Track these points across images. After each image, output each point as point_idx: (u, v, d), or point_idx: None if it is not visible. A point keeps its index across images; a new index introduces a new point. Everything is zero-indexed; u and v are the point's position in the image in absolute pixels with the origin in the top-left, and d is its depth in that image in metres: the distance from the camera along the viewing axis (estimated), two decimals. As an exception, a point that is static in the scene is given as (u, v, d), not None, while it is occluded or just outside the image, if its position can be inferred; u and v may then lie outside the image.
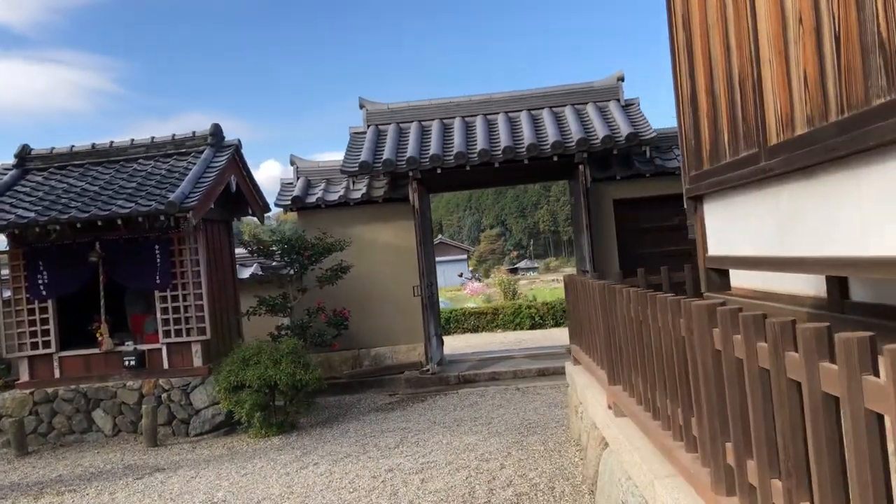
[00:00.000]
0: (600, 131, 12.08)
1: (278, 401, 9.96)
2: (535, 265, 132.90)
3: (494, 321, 23.12)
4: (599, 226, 12.57)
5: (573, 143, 11.89)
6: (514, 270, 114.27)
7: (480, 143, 12.24)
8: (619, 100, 13.20)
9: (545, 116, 13.04)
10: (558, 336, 19.44)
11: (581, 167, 12.10)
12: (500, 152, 11.99)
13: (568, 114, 13.00)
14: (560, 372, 11.87)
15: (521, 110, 13.32)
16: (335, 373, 13.06)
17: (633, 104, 13.19)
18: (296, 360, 9.70)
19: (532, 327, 22.77)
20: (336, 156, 14.12)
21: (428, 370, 12.34)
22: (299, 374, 9.55)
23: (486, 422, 9.54)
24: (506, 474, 7.15)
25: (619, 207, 13.03)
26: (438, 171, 12.22)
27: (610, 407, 5.83)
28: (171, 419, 10.51)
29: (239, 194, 11.87)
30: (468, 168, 12.25)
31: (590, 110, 13.02)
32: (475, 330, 23.09)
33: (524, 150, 11.96)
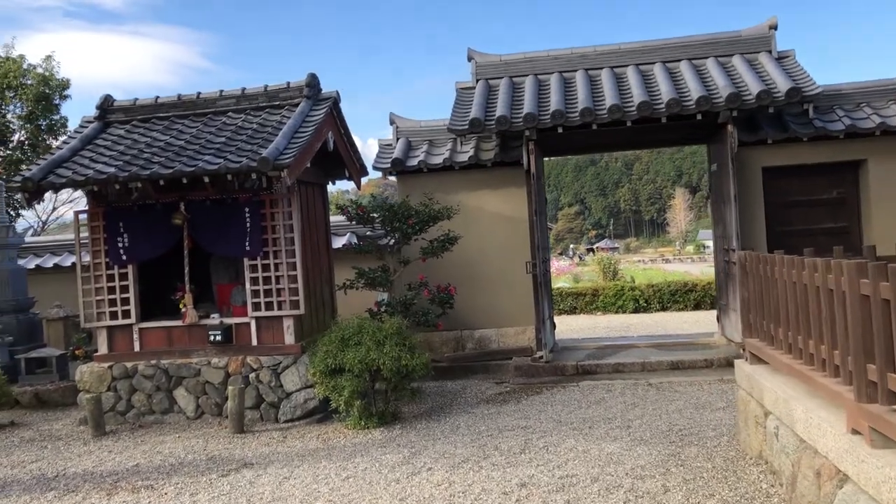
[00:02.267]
0: (753, 86, 10.28)
1: (379, 387, 8.70)
2: (616, 245, 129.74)
3: (594, 303, 21.52)
4: (744, 198, 10.78)
5: (722, 100, 10.14)
6: (591, 250, 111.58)
7: (609, 98, 10.61)
8: (770, 51, 11.32)
9: (683, 69, 11.28)
10: (671, 322, 17.74)
11: (729, 128, 10.34)
12: (633, 109, 10.35)
13: (710, 67, 11.21)
14: (697, 366, 10.29)
15: (653, 62, 11.60)
16: (435, 355, 11.74)
17: (787, 56, 11.29)
18: (401, 343, 8.40)
19: (635, 311, 21.08)
20: (438, 117, 12.72)
21: (541, 357, 10.89)
22: (405, 359, 8.25)
23: (622, 424, 8.05)
24: (675, 501, 5.66)
25: (767, 176, 11.21)
26: (559, 130, 10.66)
27: (856, 432, 4.25)
28: (260, 402, 9.39)
29: (335, 154, 10.61)
30: (594, 127, 10.65)
31: (737, 63, 11.20)
32: (572, 311, 21.54)
33: (663, 106, 10.28)
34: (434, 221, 10.32)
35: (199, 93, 10.88)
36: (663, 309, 21.02)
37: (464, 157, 11.62)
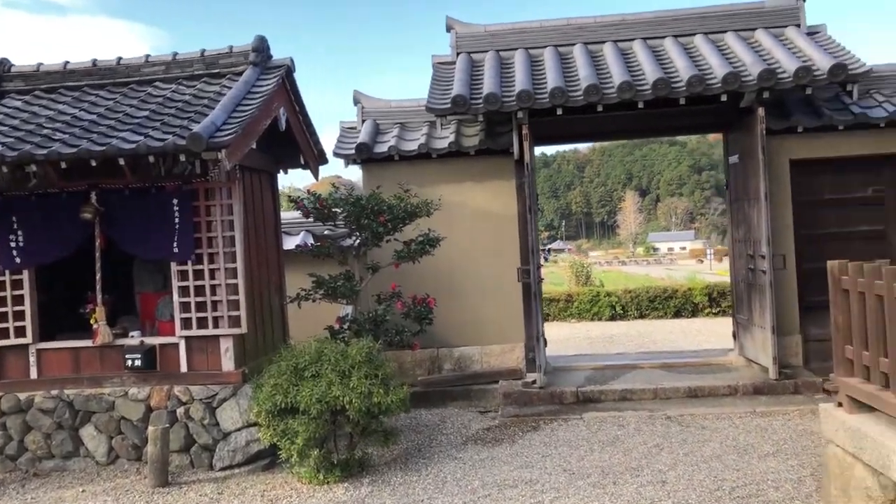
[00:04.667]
0: (787, 62, 8.69)
1: (343, 429, 6.83)
2: (568, 246, 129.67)
3: (568, 309, 19.90)
4: (771, 195, 9.17)
5: (753, 78, 8.51)
6: (545, 250, 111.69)
7: (617, 76, 8.91)
8: (798, 25, 9.77)
9: (700, 44, 9.65)
10: (657, 333, 16.20)
11: (759, 112, 8.73)
12: (648, 88, 8.66)
13: (731, 41, 9.60)
14: (719, 394, 8.71)
15: (664, 36, 9.94)
16: (407, 378, 9.89)
17: (818, 31, 9.75)
18: (372, 373, 6.55)
19: (612, 318, 19.54)
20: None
21: (534, 382, 9.14)
22: (377, 396, 6.41)
23: (655, 479, 6.33)
24: None
25: (795, 171, 9.64)
26: (558, 112, 8.93)
27: None
28: (190, 444, 7.45)
29: (289, 137, 8.69)
30: (600, 109, 8.94)
31: (761, 38, 9.61)
32: (545, 319, 19.81)
33: (682, 84, 8.62)
34: (411, 219, 8.48)
35: (120, 58, 8.85)
36: (641, 316, 19.55)
37: (442, 144, 9.80)
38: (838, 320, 5.00)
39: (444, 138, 9.89)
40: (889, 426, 4.47)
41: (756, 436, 7.38)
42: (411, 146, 9.85)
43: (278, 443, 6.54)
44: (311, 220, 8.75)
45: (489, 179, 9.92)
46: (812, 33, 9.65)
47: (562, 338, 16.03)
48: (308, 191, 8.43)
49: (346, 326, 8.05)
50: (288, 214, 10.40)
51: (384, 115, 10.60)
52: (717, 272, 44.80)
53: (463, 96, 8.82)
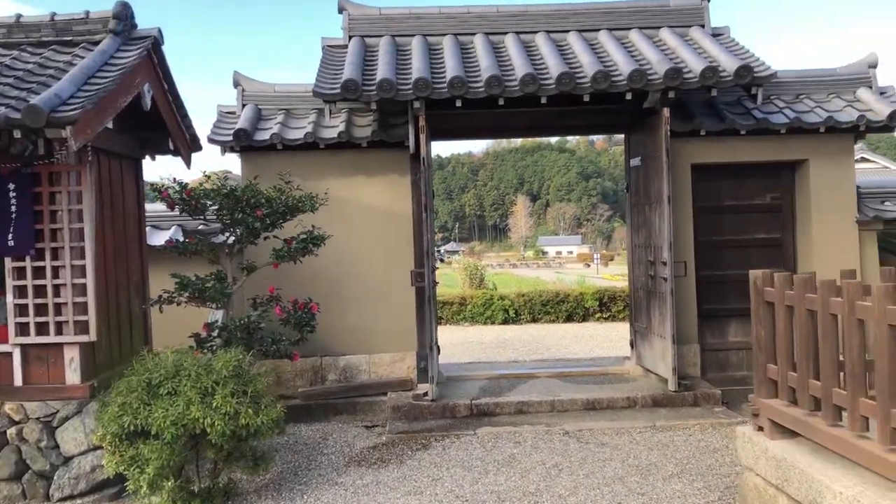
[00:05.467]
0: (693, 62, 8.39)
1: (205, 453, 5.93)
2: (461, 248, 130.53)
3: (461, 313, 19.40)
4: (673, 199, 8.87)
5: (659, 76, 8.16)
6: (438, 252, 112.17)
7: (520, 68, 8.37)
8: (703, 26, 9.54)
9: (604, 40, 9.26)
10: (550, 337, 15.91)
11: (664, 112, 8.38)
12: (552, 82, 8.16)
13: (636, 39, 9.25)
14: (618, 406, 8.32)
15: (568, 30, 9.50)
16: (286, 389, 9.04)
17: (722, 33, 9.55)
18: (240, 390, 5.68)
19: (505, 322, 19.20)
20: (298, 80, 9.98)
21: (426, 394, 8.46)
22: (246, 416, 5.54)
23: (556, 505, 5.77)
24: None
25: (697, 175, 9.40)
26: (457, 103, 8.30)
27: None
28: (23, 471, 6.35)
29: (155, 118, 7.66)
30: (501, 102, 8.38)
31: (666, 37, 9.31)
32: (437, 322, 19.23)
33: (587, 80, 8.16)
34: (293, 214, 7.62)
35: (-50, 17, 7.56)
36: (534, 320, 19.30)
37: (331, 133, 8.97)
38: (761, 336, 4.55)
39: (334, 127, 9.07)
40: (818, 456, 4.03)
41: (658, 453, 6.96)
42: (296, 134, 8.98)
43: (125, 472, 5.56)
44: (177, 212, 7.73)
45: (382, 174, 9.19)
46: (716, 35, 9.44)
47: (455, 342, 15.49)
48: (175, 180, 7.40)
49: (214, 334, 7.10)
50: (158, 207, 9.31)
51: (268, 99, 9.66)
52: (604, 276, 45.78)
53: (354, 81, 8.04)
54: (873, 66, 9.66)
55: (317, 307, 7.57)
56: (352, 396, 8.90)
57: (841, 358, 3.86)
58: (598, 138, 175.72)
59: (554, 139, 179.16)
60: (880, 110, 9.00)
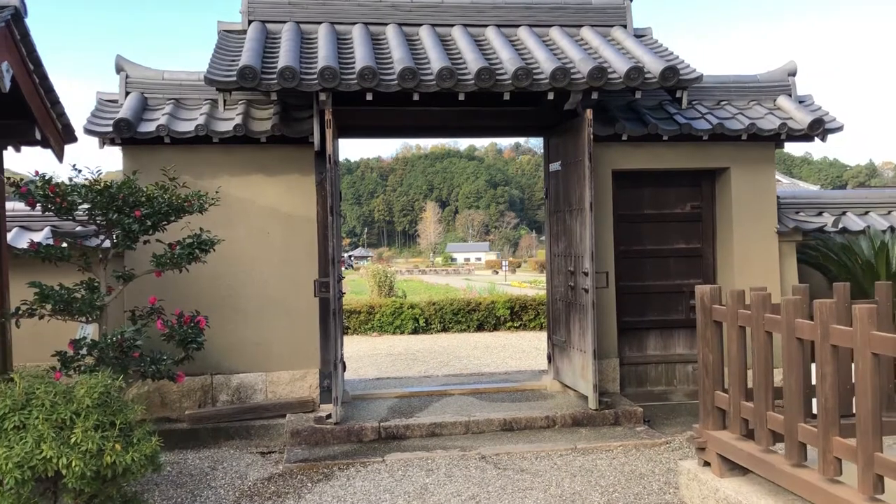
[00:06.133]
0: (618, 63, 7.96)
1: (64, 499, 4.98)
2: (370, 254, 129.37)
3: (369, 322, 18.61)
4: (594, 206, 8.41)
5: (582, 75, 7.68)
6: (347, 258, 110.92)
7: (436, 61, 7.73)
8: (626, 26, 9.16)
9: (524, 37, 8.75)
10: (462, 349, 15.34)
11: (587, 115, 7.91)
12: (471, 77, 7.56)
13: (557, 37, 8.78)
14: (537, 426, 7.81)
15: (486, 25, 8.94)
16: (171, 411, 8.08)
17: (645, 35, 9.20)
18: (107, 421, 4.78)
19: (415, 331, 18.55)
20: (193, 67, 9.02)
21: (329, 417, 7.68)
22: (112, 454, 4.65)
23: (476, 546, 5.12)
24: None
25: (618, 182, 9.01)
26: (368, 96, 7.59)
27: None
28: None
29: (17, 101, 6.60)
30: (416, 97, 7.72)
31: (588, 36, 8.88)
32: (344, 332, 18.37)
33: (508, 77, 7.60)
34: (178, 215, 6.70)
35: None
36: (444, 330, 18.73)
37: (227, 127, 8.08)
38: (708, 360, 4.03)
39: (230, 120, 8.19)
40: (777, 498, 3.52)
41: (582, 480, 6.43)
42: (187, 127, 8.04)
43: (-43, 526, 4.57)
44: (47, 213, 6.68)
45: (284, 173, 8.37)
46: (639, 36, 9.08)
47: (363, 354, 14.73)
48: (38, 174, 6.37)
49: (82, 353, 6.12)
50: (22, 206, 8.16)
51: (155, 87, 8.68)
52: (513, 283, 45.82)
53: (252, 68, 7.21)
54: (792, 73, 9.52)
55: (205, 321, 6.67)
56: (246, 419, 8.03)
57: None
58: (505, 146, 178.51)
59: (463, 146, 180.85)
60: (801, 119, 8.83)
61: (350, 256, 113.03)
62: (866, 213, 10.35)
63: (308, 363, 8.32)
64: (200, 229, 6.83)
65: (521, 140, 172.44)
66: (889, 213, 10.42)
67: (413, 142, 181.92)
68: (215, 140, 8.08)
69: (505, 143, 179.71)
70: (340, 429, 7.57)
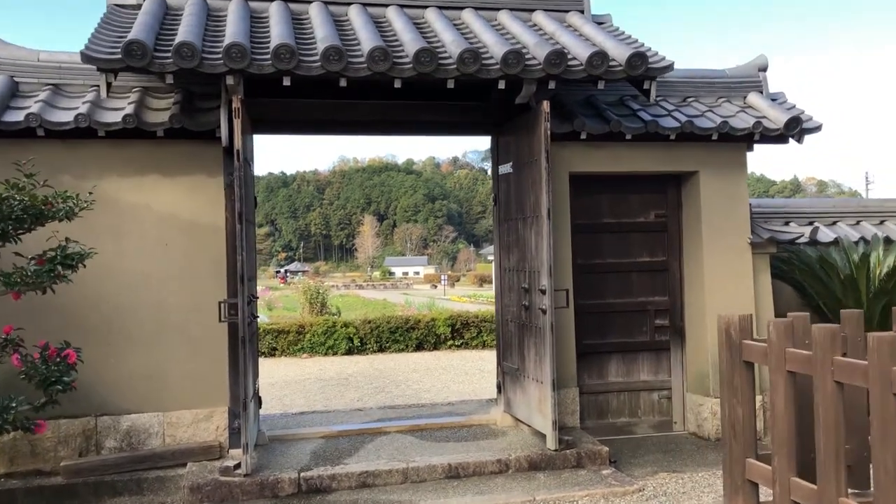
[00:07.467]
0: (577, 48, 6.91)
1: None
2: (306, 268, 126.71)
3: (299, 342, 17.20)
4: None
5: (538, 60, 6.61)
6: (282, 271, 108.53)
7: (367, 41, 6.55)
8: (583, 11, 8.14)
9: (469, 20, 7.65)
10: (399, 371, 14.12)
11: (543, 107, 6.82)
12: (408, 59, 6.40)
13: (506, 21, 7.71)
14: (487, 471, 6.65)
15: (426, 6, 7.80)
16: (44, 463, 6.62)
17: (604, 21, 8.19)
18: None
19: (349, 352, 17.24)
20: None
21: (238, 467, 6.34)
22: None
23: None
24: None
25: (575, 187, 7.95)
26: (285, 81, 6.35)
27: None
28: None
29: None
30: (343, 84, 6.50)
31: (541, 21, 7.82)
32: (272, 354, 17.01)
33: (453, 61, 6.46)
34: (39, 221, 5.32)
35: None
36: (381, 350, 17.50)
37: (115, 117, 6.71)
38: (737, 415, 2.92)
39: (119, 110, 6.82)
40: None
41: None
42: (65, 117, 6.64)
43: None
44: None
45: (186, 174, 7.03)
46: (599, 23, 8.06)
47: (290, 380, 13.36)
48: None
49: None
50: None
51: (29, 70, 7.24)
52: (452, 297, 44.76)
53: (141, 42, 5.89)
54: (763, 69, 8.66)
55: (75, 355, 5.30)
56: (138, 470, 6.62)
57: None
58: (443, 160, 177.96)
59: (401, 159, 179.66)
60: (776, 118, 7.94)
61: (286, 271, 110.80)
62: (835, 223, 9.58)
63: (215, 400, 6.96)
64: (67, 239, 5.46)
65: (459, 154, 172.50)
66: (858, 223, 9.69)
67: (350, 154, 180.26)
68: (101, 133, 6.69)
69: (443, 156, 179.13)
70: (251, 482, 6.24)
